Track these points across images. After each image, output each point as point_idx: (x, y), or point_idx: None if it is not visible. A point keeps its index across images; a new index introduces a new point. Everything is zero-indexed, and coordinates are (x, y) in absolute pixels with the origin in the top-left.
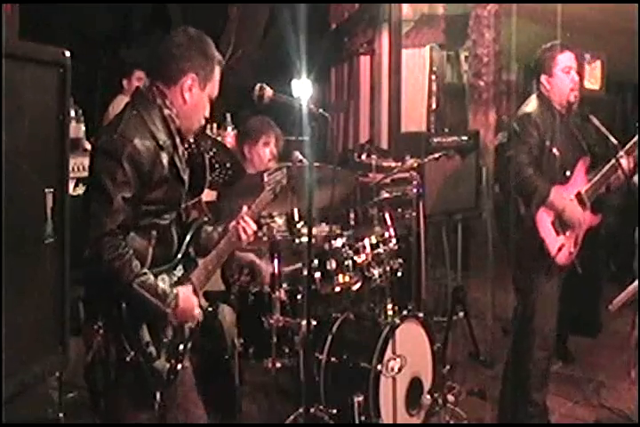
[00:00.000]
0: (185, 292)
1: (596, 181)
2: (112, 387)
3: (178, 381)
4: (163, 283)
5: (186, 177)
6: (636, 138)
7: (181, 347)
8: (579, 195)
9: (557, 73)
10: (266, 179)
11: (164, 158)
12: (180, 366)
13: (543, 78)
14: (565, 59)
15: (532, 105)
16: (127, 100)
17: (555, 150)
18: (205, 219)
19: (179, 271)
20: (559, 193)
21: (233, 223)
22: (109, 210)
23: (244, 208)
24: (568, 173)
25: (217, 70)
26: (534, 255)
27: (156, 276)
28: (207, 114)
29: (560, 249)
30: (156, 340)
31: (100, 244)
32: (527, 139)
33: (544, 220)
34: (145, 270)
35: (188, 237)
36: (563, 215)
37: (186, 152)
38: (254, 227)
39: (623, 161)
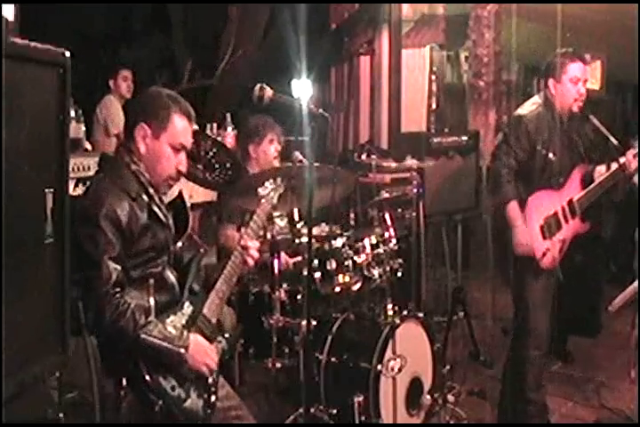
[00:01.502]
0: (195, 338)
1: (590, 189)
2: None
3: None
4: (172, 325)
5: (167, 220)
6: (635, 150)
7: (210, 380)
8: (570, 202)
9: (565, 81)
10: (261, 192)
11: (141, 209)
12: (214, 398)
13: (551, 82)
14: (575, 69)
15: (528, 107)
16: (114, 100)
17: (550, 155)
18: (202, 250)
19: (187, 309)
20: (517, 210)
21: (236, 249)
22: (100, 273)
23: (242, 230)
24: (562, 180)
25: (176, 118)
26: (522, 257)
27: (163, 321)
28: (178, 164)
29: (545, 254)
30: (181, 380)
31: (100, 306)
32: (514, 144)
33: (534, 223)
34: (150, 319)
35: (190, 277)
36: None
37: (163, 196)
38: (257, 245)
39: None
